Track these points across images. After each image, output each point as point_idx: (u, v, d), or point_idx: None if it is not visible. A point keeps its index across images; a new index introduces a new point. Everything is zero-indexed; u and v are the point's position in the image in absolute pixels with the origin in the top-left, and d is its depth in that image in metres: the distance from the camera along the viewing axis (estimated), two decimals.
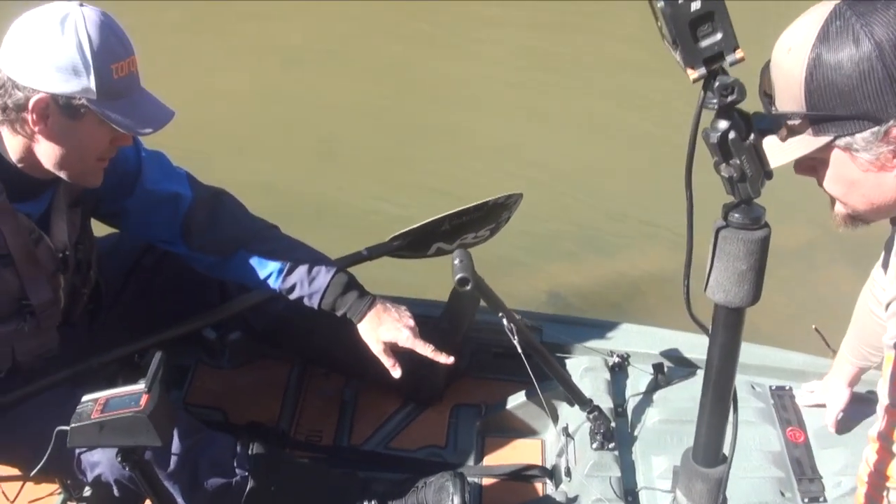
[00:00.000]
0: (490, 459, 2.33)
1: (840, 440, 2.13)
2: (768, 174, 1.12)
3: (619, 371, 2.40)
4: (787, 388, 2.31)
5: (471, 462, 2.30)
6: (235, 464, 1.94)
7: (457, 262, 1.87)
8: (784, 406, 2.25)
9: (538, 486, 2.25)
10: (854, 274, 4.01)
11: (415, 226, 2.45)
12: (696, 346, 2.41)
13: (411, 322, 1.98)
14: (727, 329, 1.35)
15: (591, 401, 2.15)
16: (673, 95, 4.42)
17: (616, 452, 2.11)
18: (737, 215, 1.20)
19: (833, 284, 3.64)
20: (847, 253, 3.91)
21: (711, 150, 1.10)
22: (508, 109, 4.58)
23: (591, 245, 3.69)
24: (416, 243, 2.49)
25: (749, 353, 2.40)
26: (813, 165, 1.32)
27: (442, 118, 4.59)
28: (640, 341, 2.45)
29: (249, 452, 1.98)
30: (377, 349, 1.97)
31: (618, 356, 2.39)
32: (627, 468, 2.12)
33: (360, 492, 2.00)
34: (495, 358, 2.49)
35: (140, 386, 1.56)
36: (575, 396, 2.14)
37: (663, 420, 2.18)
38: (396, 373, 1.97)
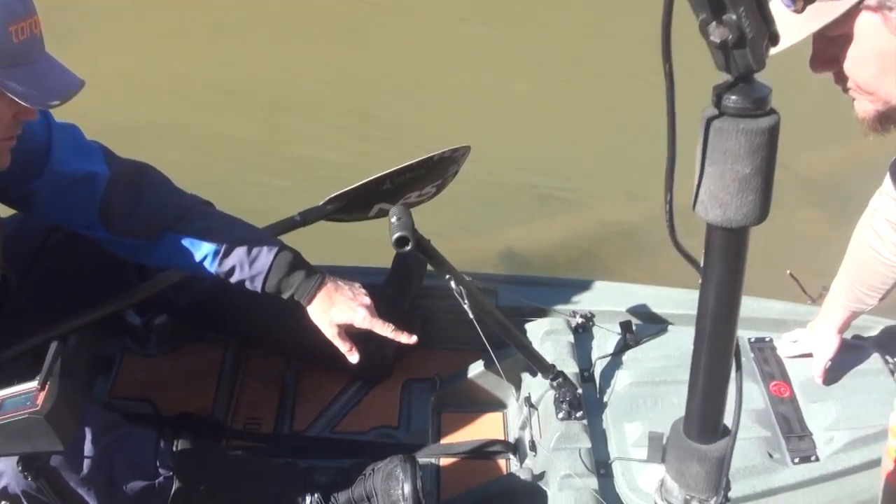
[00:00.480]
0: (447, 437, 2.12)
1: (829, 392, 1.95)
2: (774, 37, 0.81)
3: (583, 332, 2.19)
4: (768, 339, 2.11)
5: (426, 441, 2.08)
6: (158, 463, 1.71)
7: (394, 220, 1.64)
8: (765, 359, 2.05)
9: (501, 462, 2.05)
10: (823, 216, 3.88)
11: (352, 186, 2.23)
12: (666, 300, 2.21)
13: (367, 300, 1.74)
14: (726, 259, 0.99)
15: (553, 367, 1.94)
16: (630, 48, 4.20)
17: (584, 422, 1.90)
18: (734, 98, 0.87)
19: (802, 228, 3.47)
20: (813, 194, 3.75)
21: (697, 3, 0.79)
22: (460, 61, 4.32)
23: (546, 202, 3.47)
24: (354, 205, 2.26)
25: None
26: (834, 55, 1.09)
27: (391, 71, 4.32)
28: (605, 298, 2.24)
29: (174, 448, 1.75)
30: (331, 333, 1.73)
31: (581, 316, 2.18)
32: (598, 438, 1.92)
33: (302, 483, 1.77)
34: (448, 325, 2.27)
35: (33, 383, 1.32)
36: (536, 363, 1.93)
37: (634, 383, 1.98)
38: (354, 357, 1.75)
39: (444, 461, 2.05)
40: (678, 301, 2.21)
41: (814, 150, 3.91)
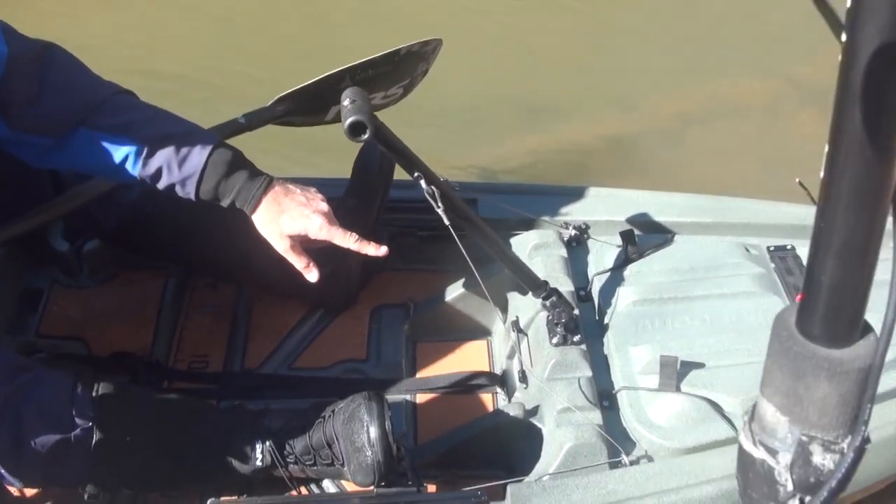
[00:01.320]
0: (424, 370, 1.84)
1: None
2: None
3: (577, 246, 1.91)
4: (789, 246, 1.84)
5: (399, 375, 1.81)
6: (74, 412, 1.42)
7: (347, 103, 1.34)
8: (788, 269, 1.78)
9: (486, 397, 1.78)
10: (824, 118, 3.60)
11: (305, 84, 1.91)
12: (669, 207, 1.93)
13: (324, 206, 1.44)
14: None
15: (546, 283, 1.66)
16: None
17: (583, 347, 1.63)
18: None
19: (803, 133, 3.19)
20: (811, 98, 3.47)
21: None
22: None
23: (532, 115, 3.15)
24: (308, 106, 1.95)
25: (734, 208, 1.94)
26: None
27: None
28: (601, 207, 1.96)
29: (95, 394, 1.46)
30: (282, 246, 1.43)
31: (574, 228, 1.90)
32: (599, 366, 1.65)
33: (250, 429, 1.49)
34: (421, 242, 1.98)
35: None
36: (525, 280, 1.65)
37: (639, 301, 1.71)
38: (312, 275, 1.45)
39: (421, 398, 1.78)
40: (683, 208, 1.93)
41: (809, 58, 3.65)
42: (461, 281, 1.86)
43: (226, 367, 1.83)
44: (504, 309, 1.85)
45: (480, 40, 3.62)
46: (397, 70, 1.99)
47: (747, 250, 1.80)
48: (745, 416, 0.95)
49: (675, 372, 1.53)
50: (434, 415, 1.73)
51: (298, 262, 1.44)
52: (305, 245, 1.46)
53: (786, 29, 3.91)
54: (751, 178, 2.86)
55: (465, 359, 1.86)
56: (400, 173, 1.94)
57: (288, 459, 1.46)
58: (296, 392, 1.75)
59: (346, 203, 1.77)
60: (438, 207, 1.42)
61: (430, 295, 1.91)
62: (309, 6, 3.84)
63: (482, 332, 1.91)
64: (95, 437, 1.40)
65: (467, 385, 1.78)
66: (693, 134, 3.12)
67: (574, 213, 1.94)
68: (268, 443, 1.46)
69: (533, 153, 2.96)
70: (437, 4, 3.51)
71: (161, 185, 1.43)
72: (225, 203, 1.44)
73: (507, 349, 1.80)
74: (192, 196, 1.43)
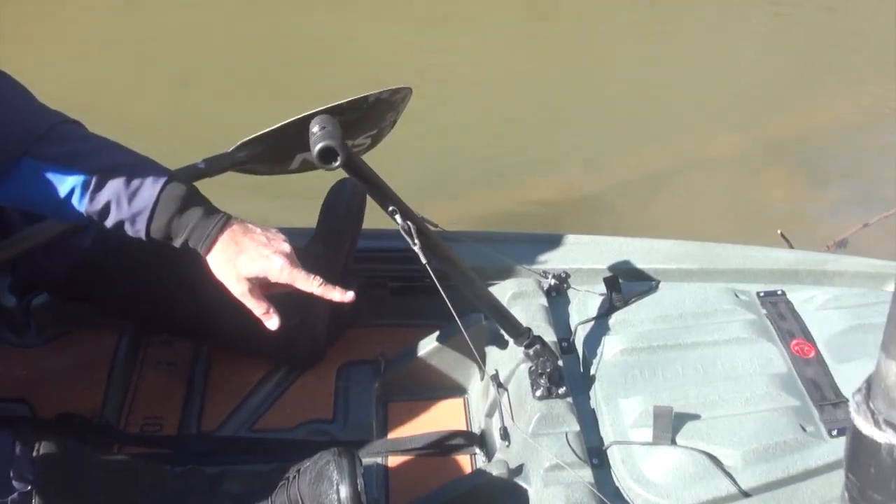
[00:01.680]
0: (396, 431, 1.71)
1: (859, 348, 1.59)
2: None
3: (556, 296, 1.80)
4: (779, 292, 1.75)
5: (370, 437, 1.67)
6: (12, 474, 1.27)
7: (316, 129, 1.24)
8: (780, 314, 1.69)
9: (464, 459, 1.65)
10: (792, 176, 3.59)
11: (268, 129, 1.81)
12: (653, 253, 1.84)
13: (286, 246, 1.32)
14: None
15: (529, 330, 1.54)
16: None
17: (569, 399, 1.51)
18: None
19: (776, 187, 3.15)
20: (778, 155, 3.46)
21: None
22: (396, 13, 3.91)
23: (497, 166, 3.08)
24: (272, 153, 1.84)
25: (721, 254, 1.85)
26: None
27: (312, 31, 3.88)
28: (581, 255, 1.86)
29: (35, 454, 1.31)
30: (239, 290, 1.31)
31: (553, 277, 1.80)
32: (587, 421, 1.52)
33: (207, 494, 1.34)
34: (393, 295, 1.87)
35: None
36: (507, 326, 1.54)
37: (627, 350, 1.59)
38: (272, 323, 1.33)
39: (393, 461, 1.64)
40: (668, 254, 1.84)
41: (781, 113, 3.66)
42: (435, 335, 1.74)
43: (181, 429, 1.69)
44: (481, 364, 1.73)
45: (446, 96, 3.58)
46: (366, 118, 1.90)
47: (737, 296, 1.71)
48: (857, 395, 0.79)
49: (670, 423, 1.41)
50: (408, 478, 1.59)
51: (257, 307, 1.32)
52: (266, 290, 1.34)
53: (754, 85, 3.93)
54: (723, 230, 2.80)
55: (440, 418, 1.73)
56: (370, 222, 1.85)
57: None
58: (257, 455, 1.61)
59: (313, 250, 1.66)
60: (415, 245, 1.31)
61: (402, 350, 1.79)
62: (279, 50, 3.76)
63: (458, 390, 1.78)
64: (35, 502, 1.25)
65: (444, 446, 1.64)
66: (663, 188, 3.07)
67: (553, 260, 1.84)
68: None
69: (500, 209, 2.88)
70: (405, 61, 3.47)
71: (109, 222, 1.31)
72: (177, 242, 1.32)
73: (486, 407, 1.67)
74: (143, 234, 1.31)
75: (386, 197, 1.32)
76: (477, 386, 1.76)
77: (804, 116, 3.67)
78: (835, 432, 1.45)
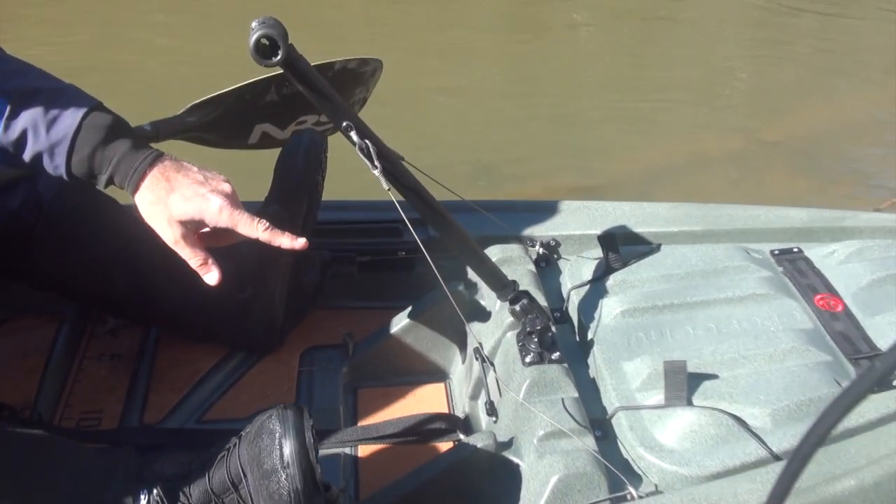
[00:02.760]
0: (368, 420, 1.48)
1: (890, 298, 1.39)
2: None
3: (546, 266, 1.60)
4: (796, 249, 1.56)
5: (337, 425, 1.45)
6: None
7: (255, 24, 1.04)
8: (799, 270, 1.49)
9: (445, 446, 1.42)
10: (792, 177, 3.43)
11: (221, 91, 1.64)
12: (653, 218, 1.65)
13: (226, 186, 1.11)
14: None
15: (514, 283, 1.34)
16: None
17: (565, 365, 1.30)
18: None
19: (777, 188, 2.98)
20: (779, 156, 3.31)
21: None
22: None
23: (487, 171, 2.89)
24: (227, 122, 1.66)
25: (729, 215, 1.65)
26: None
27: None
28: (572, 221, 1.66)
29: None
30: (171, 235, 1.10)
31: (542, 245, 1.60)
32: (587, 390, 1.31)
33: (135, 475, 1.12)
34: (362, 271, 1.66)
35: None
36: (489, 277, 1.33)
37: (629, 311, 1.39)
38: (212, 276, 1.12)
39: (364, 450, 1.41)
40: (668, 217, 1.65)
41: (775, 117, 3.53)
42: (409, 312, 1.53)
43: (122, 423, 1.46)
44: (462, 343, 1.52)
45: (432, 104, 3.43)
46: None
47: (748, 253, 1.51)
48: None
49: (685, 381, 1.20)
50: (379, 467, 1.37)
51: (192, 256, 1.11)
52: (204, 236, 1.13)
53: (747, 90, 3.81)
54: None
55: (418, 405, 1.51)
56: (332, 192, 1.65)
57: None
58: (204, 448, 1.37)
59: (267, 210, 1.46)
60: (375, 168, 1.11)
61: (372, 331, 1.57)
62: None
63: (438, 374, 1.57)
64: None
65: (421, 431, 1.42)
66: (658, 191, 2.89)
67: (541, 228, 1.64)
68: (155, 491, 1.08)
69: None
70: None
71: (27, 154, 1.11)
72: (101, 180, 1.11)
73: (470, 388, 1.45)
74: (63, 170, 1.11)
75: (338, 111, 1.12)
76: (459, 367, 1.54)
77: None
78: (876, 387, 1.24)
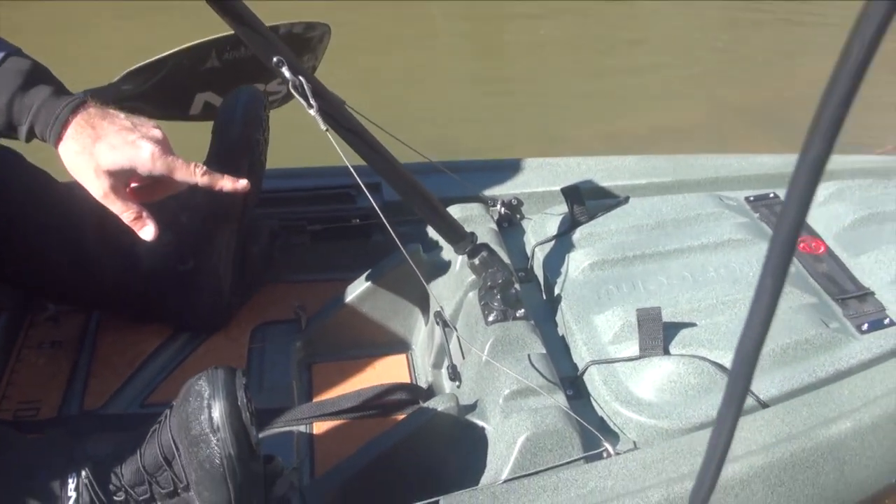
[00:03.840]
0: (324, 395, 1.37)
1: (878, 236, 1.31)
2: None
3: (508, 227, 1.51)
4: (771, 195, 1.48)
5: (290, 403, 1.34)
6: None
7: None
8: (777, 215, 1.41)
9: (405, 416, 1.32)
10: (771, 139, 3.36)
11: (158, 56, 1.52)
12: (620, 170, 1.56)
13: (156, 132, 1.00)
14: None
15: (472, 235, 1.24)
16: None
17: (531, 322, 1.20)
18: None
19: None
20: (755, 122, 3.24)
21: None
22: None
23: (452, 143, 2.78)
24: (166, 90, 1.55)
25: (699, 165, 1.57)
26: None
27: None
28: (535, 178, 1.57)
29: None
30: (99, 188, 0.98)
31: (504, 204, 1.50)
32: (555, 347, 1.22)
33: (66, 457, 1.00)
34: (314, 241, 1.55)
35: None
36: (445, 229, 1.23)
37: (597, 263, 1.30)
38: (147, 231, 1.00)
39: (319, 427, 1.31)
40: (635, 170, 1.56)
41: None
42: (364, 279, 1.43)
43: (61, 411, 1.34)
44: (423, 306, 1.42)
45: (395, 71, 3.33)
46: None
47: (722, 200, 1.43)
48: None
49: (661, 329, 1.11)
50: (337, 443, 1.26)
51: (124, 210, 1.00)
52: (143, 197, 1.03)
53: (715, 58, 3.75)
54: None
55: (377, 378, 1.40)
56: (276, 160, 1.55)
57: (115, 498, 0.97)
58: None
59: (209, 159, 1.35)
60: (311, 108, 1.00)
61: (326, 303, 1.47)
62: None
63: (398, 344, 1.46)
64: None
65: (380, 404, 1.31)
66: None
67: (502, 187, 1.55)
68: (84, 472, 0.97)
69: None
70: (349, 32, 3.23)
71: None
72: (22, 132, 1.00)
73: (432, 357, 1.35)
74: None
75: (268, 44, 1.01)
76: (421, 336, 1.44)
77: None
78: (865, 326, 1.16)
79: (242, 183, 1.01)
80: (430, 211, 1.18)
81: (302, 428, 1.30)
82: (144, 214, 1.01)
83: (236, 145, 1.36)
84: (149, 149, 0.98)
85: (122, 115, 1.02)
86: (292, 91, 1.01)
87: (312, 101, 1.00)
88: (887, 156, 1.59)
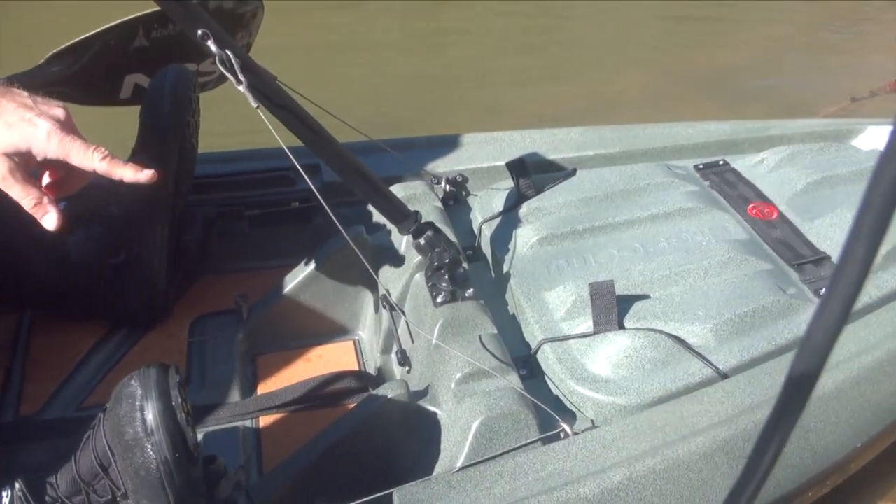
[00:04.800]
0: (269, 388, 1.32)
1: (832, 200, 1.29)
2: None
3: (454, 204, 1.46)
4: (721, 162, 1.45)
5: (233, 399, 1.28)
6: None
7: None
8: (727, 182, 1.38)
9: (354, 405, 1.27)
10: (713, 104, 3.36)
11: (83, 36, 1.44)
12: (566, 143, 1.52)
13: (58, 111, 0.93)
14: None
15: (416, 213, 1.19)
16: None
17: (480, 302, 1.16)
18: None
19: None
20: (696, 87, 3.23)
21: None
22: None
23: (391, 121, 2.72)
24: (94, 73, 1.47)
25: (646, 134, 1.53)
26: None
27: None
28: (479, 153, 1.52)
29: None
30: None
31: (448, 181, 1.46)
32: (506, 326, 1.18)
33: None
34: (252, 228, 1.49)
35: None
36: (387, 208, 1.17)
37: (546, 238, 1.26)
38: (50, 219, 0.93)
39: (265, 420, 1.25)
40: (581, 142, 1.52)
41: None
42: (305, 265, 1.37)
43: None
44: (369, 290, 1.36)
45: (330, 49, 3.25)
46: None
47: (670, 168, 1.40)
48: None
49: (614, 303, 1.07)
50: (285, 438, 1.21)
51: (23, 196, 0.92)
52: (59, 191, 0.96)
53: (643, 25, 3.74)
54: None
55: (325, 366, 1.35)
56: (209, 144, 1.48)
57: None
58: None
59: (136, 160, 1.27)
60: (240, 84, 0.94)
61: (267, 292, 1.41)
62: None
63: (344, 331, 1.41)
64: None
65: (327, 394, 1.26)
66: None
67: (446, 164, 1.50)
68: (17, 484, 0.90)
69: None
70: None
71: None
72: None
73: (381, 342, 1.30)
74: None
75: (191, 15, 0.95)
76: (368, 322, 1.39)
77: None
78: (823, 291, 1.14)
79: (146, 173, 0.94)
80: (372, 191, 1.13)
81: (248, 423, 1.24)
82: (45, 201, 0.93)
83: (165, 128, 1.29)
84: (46, 127, 0.90)
85: (24, 94, 0.94)
86: (219, 66, 0.94)
87: (241, 77, 0.94)
88: (839, 118, 1.57)
